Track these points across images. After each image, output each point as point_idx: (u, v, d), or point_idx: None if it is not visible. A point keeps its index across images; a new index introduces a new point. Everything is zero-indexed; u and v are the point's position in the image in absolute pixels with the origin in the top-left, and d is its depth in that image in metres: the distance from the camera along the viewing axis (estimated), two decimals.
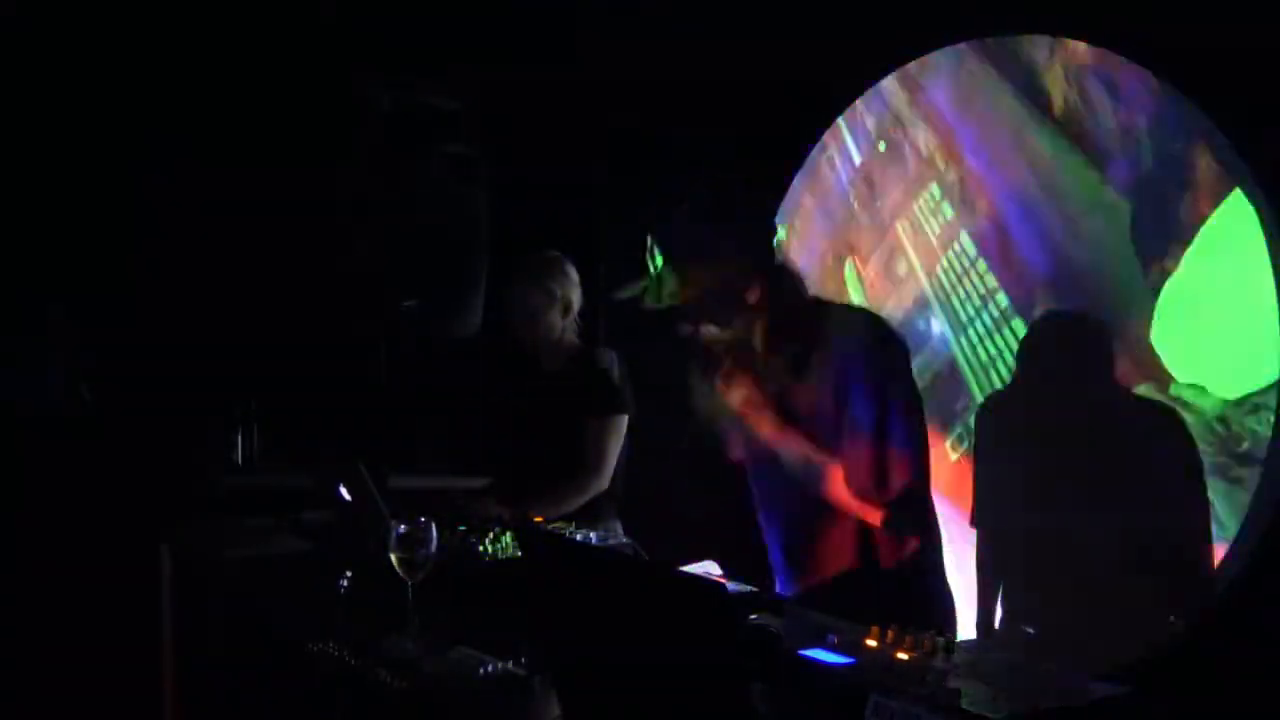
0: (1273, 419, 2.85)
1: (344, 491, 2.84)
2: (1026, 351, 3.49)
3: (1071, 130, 3.38)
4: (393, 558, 2.23)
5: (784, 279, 2.56)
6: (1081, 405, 3.31)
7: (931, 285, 3.78)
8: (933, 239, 3.78)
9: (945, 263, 3.73)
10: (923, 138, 3.87)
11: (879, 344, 2.49)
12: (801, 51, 3.88)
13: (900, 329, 3.68)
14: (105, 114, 4.16)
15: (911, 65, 3.92)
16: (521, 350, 3.61)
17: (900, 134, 3.97)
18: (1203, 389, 2.99)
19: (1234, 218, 2.99)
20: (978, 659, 1.78)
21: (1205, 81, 3.02)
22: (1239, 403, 2.94)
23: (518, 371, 3.66)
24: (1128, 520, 3.13)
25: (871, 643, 1.85)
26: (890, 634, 1.86)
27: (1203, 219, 3.04)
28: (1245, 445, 2.90)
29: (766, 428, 2.50)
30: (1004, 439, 3.50)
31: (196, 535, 3.20)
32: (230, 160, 4.31)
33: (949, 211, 3.74)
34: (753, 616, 2.01)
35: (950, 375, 3.74)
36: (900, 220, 3.93)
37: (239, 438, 3.90)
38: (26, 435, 3.66)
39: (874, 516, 2.43)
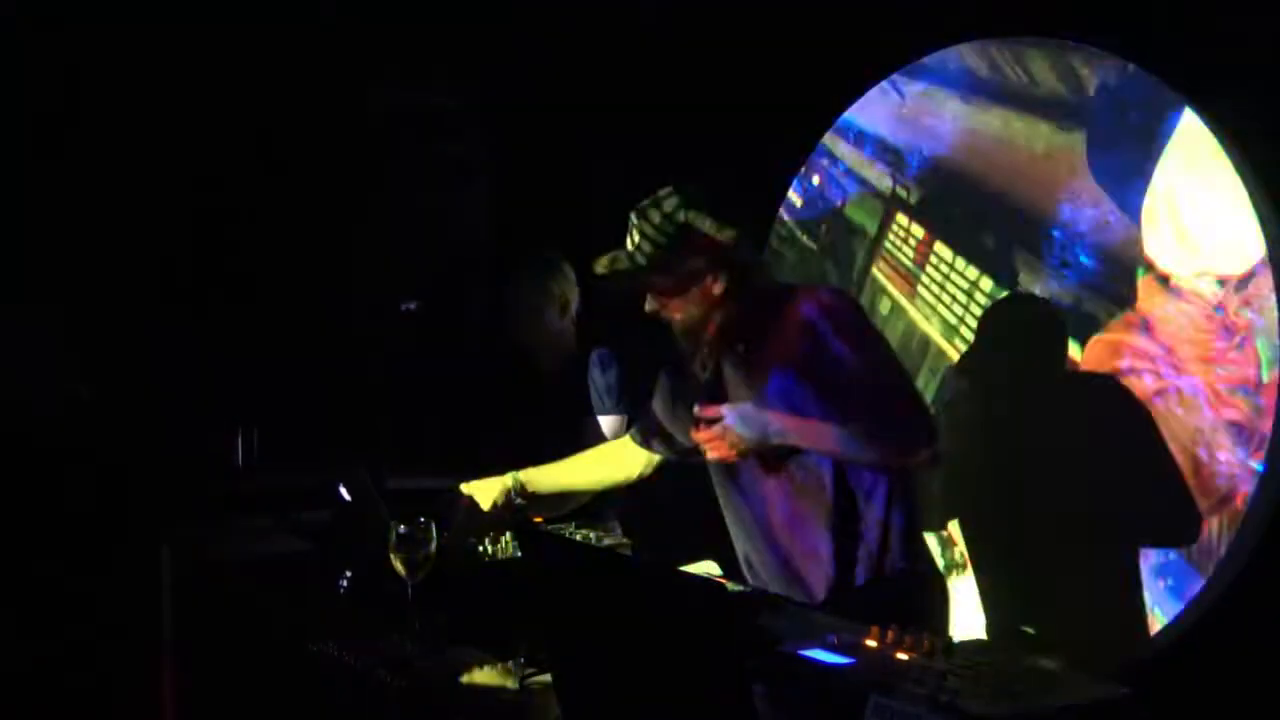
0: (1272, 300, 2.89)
1: (344, 491, 2.83)
2: (979, 339, 3.50)
3: (1015, 95, 3.43)
4: (393, 558, 2.23)
5: (754, 272, 2.51)
6: (1036, 390, 3.34)
7: (918, 308, 3.77)
8: (909, 262, 3.77)
9: (926, 278, 3.72)
10: (874, 171, 3.87)
11: (825, 307, 2.41)
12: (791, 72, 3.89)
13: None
14: (104, 114, 4.16)
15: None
16: (521, 350, 3.61)
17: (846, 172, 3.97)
18: (1201, 275, 3.04)
19: (1190, 131, 3.07)
20: (977, 658, 1.78)
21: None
22: (1229, 283, 3.00)
23: (517, 371, 3.66)
24: (1099, 503, 3.15)
25: (871, 643, 1.85)
26: (890, 634, 1.86)
27: (1160, 133, 3.12)
28: (1246, 321, 2.94)
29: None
30: (964, 431, 3.51)
31: (196, 535, 3.21)
32: (230, 161, 4.31)
33: (919, 232, 3.73)
34: (753, 617, 2.01)
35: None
36: (875, 262, 3.91)
37: (239, 438, 3.90)
38: (26, 435, 3.67)
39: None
